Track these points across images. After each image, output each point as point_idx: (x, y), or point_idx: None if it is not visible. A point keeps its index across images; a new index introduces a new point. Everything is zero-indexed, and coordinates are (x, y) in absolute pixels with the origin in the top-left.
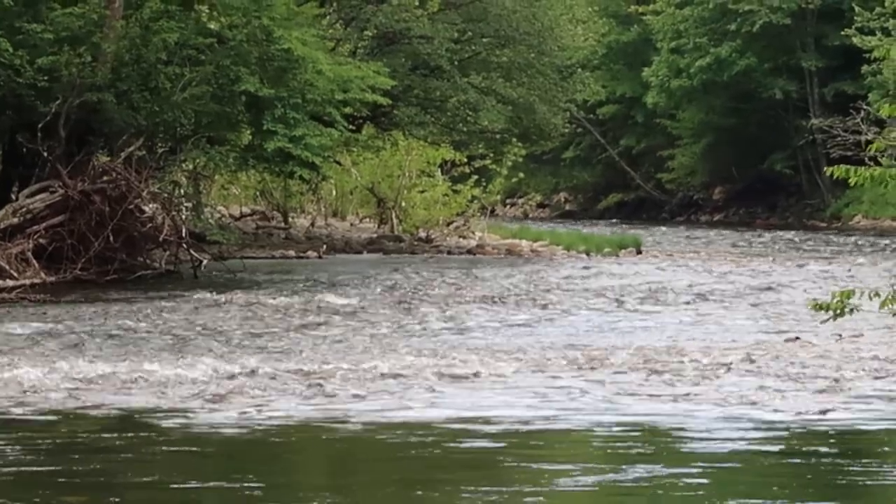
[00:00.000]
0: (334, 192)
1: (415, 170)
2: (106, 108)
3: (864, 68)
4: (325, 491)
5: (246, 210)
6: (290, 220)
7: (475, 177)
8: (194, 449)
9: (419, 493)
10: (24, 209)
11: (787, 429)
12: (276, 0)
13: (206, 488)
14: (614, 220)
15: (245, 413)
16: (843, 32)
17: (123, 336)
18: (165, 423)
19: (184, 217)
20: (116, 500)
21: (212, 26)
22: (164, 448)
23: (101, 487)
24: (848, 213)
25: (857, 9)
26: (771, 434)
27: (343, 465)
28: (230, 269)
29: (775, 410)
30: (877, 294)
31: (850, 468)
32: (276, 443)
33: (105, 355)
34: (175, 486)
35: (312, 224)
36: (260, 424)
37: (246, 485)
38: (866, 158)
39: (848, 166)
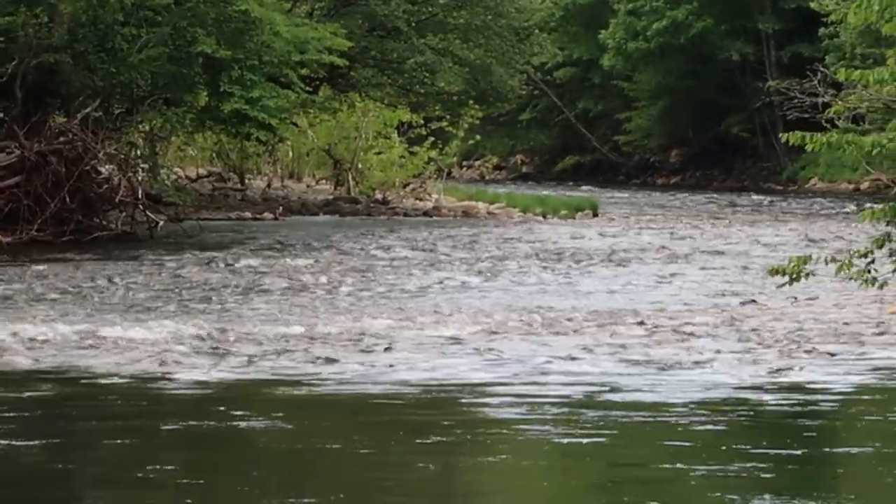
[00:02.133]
0: (291, 154)
1: (371, 131)
2: (62, 69)
3: (821, 31)
4: (278, 456)
5: (202, 171)
6: (246, 181)
7: (432, 139)
8: (149, 408)
9: (372, 456)
10: None
11: (743, 390)
12: None
13: (160, 444)
14: (571, 183)
15: (201, 374)
16: None
17: (80, 297)
18: (121, 384)
19: (140, 178)
20: (73, 457)
21: None
22: (120, 408)
23: (58, 446)
24: (804, 176)
25: None
26: (727, 395)
27: (298, 426)
28: (186, 231)
29: (731, 373)
30: (833, 259)
31: (806, 428)
32: (231, 405)
33: (61, 316)
34: (130, 442)
35: (269, 185)
36: (216, 386)
37: (200, 446)
38: (823, 121)
39: (804, 133)
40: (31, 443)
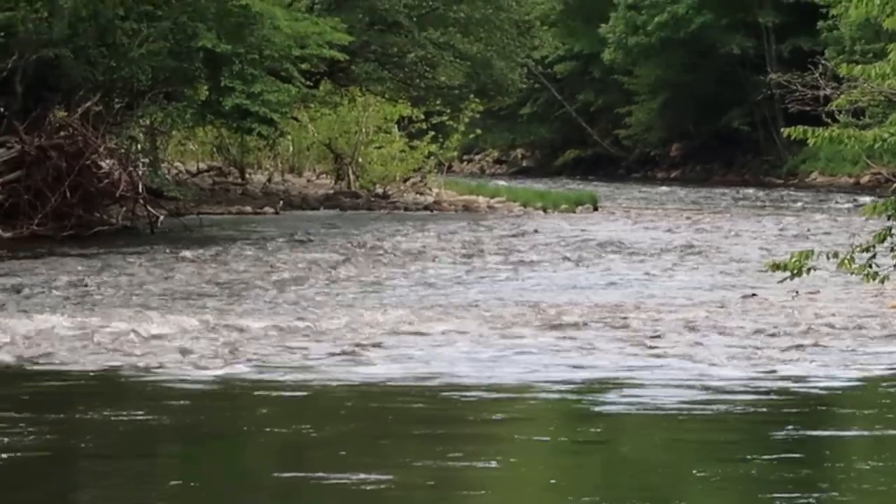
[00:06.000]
0: (291, 148)
1: (372, 126)
2: (63, 63)
3: (820, 24)
4: (281, 446)
5: (203, 166)
6: (246, 176)
7: (432, 133)
8: (152, 401)
9: (377, 449)
10: None
11: (744, 384)
12: None
13: (165, 439)
14: (571, 177)
15: (205, 368)
16: None
17: (81, 292)
18: (124, 378)
19: (140, 173)
20: (78, 448)
21: None
22: (121, 401)
23: (63, 439)
24: (804, 170)
25: None
26: (727, 389)
27: (301, 420)
28: (187, 225)
29: (732, 367)
30: (835, 254)
31: (806, 422)
32: (235, 398)
33: (63, 311)
34: (134, 436)
35: (269, 180)
36: (220, 379)
37: (202, 433)
38: (824, 115)
39: (805, 127)
40: (34, 433)
